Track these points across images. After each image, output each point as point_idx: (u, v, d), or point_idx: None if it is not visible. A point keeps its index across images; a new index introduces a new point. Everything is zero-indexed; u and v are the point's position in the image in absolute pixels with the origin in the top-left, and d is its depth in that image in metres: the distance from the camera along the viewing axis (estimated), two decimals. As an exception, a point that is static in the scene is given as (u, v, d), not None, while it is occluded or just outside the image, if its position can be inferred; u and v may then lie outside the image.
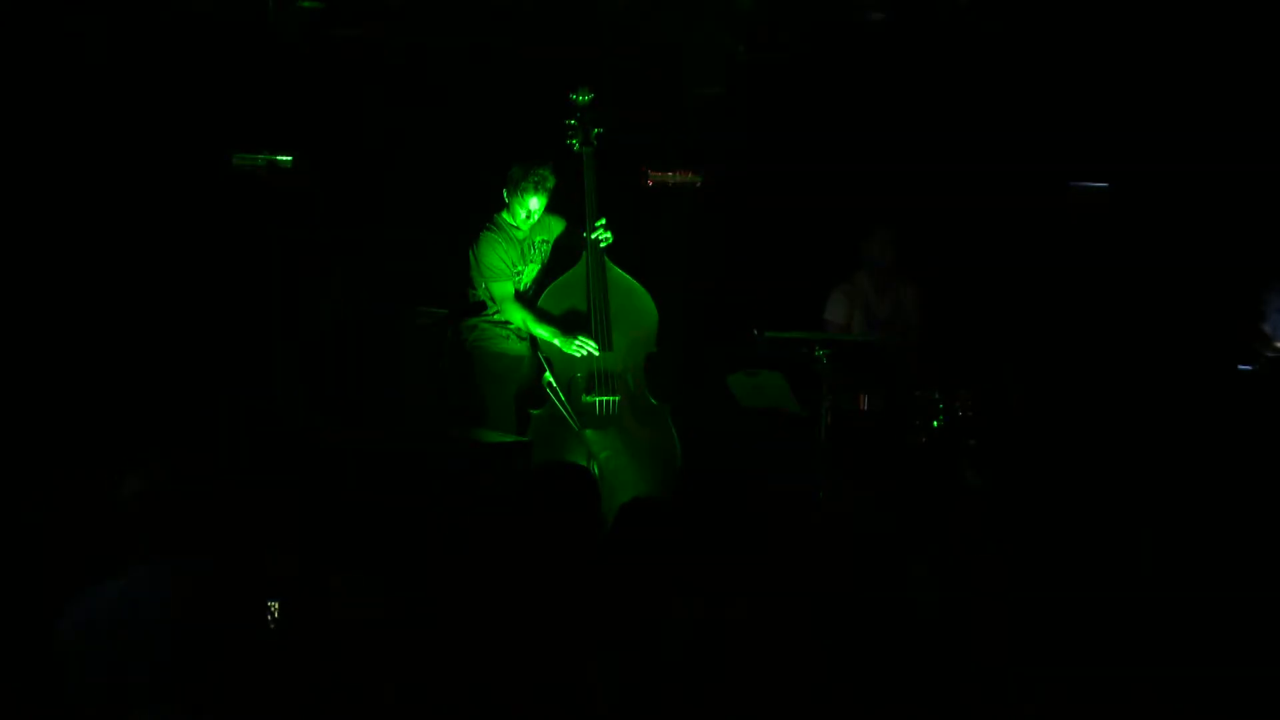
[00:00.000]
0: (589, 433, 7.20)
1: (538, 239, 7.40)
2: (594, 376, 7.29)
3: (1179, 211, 8.18)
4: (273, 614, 4.42)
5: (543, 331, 7.25)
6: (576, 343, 7.23)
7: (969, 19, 8.42)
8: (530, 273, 7.41)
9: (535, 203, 7.24)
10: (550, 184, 7.25)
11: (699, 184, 8.19)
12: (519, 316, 7.30)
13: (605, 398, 7.29)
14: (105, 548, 4.48)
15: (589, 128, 7.33)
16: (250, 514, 5.44)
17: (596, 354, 7.26)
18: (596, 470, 6.99)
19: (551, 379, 7.19)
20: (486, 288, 7.32)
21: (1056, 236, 8.30)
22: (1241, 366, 7.86)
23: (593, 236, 7.31)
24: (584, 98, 7.35)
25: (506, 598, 4.33)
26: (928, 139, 8.24)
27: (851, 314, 8.04)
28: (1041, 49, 8.29)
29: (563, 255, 7.45)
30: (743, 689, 4.21)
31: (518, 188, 7.22)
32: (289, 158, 7.64)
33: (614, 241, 7.36)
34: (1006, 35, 8.38)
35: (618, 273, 7.40)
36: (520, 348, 7.40)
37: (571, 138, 7.34)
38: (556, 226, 7.47)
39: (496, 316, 7.37)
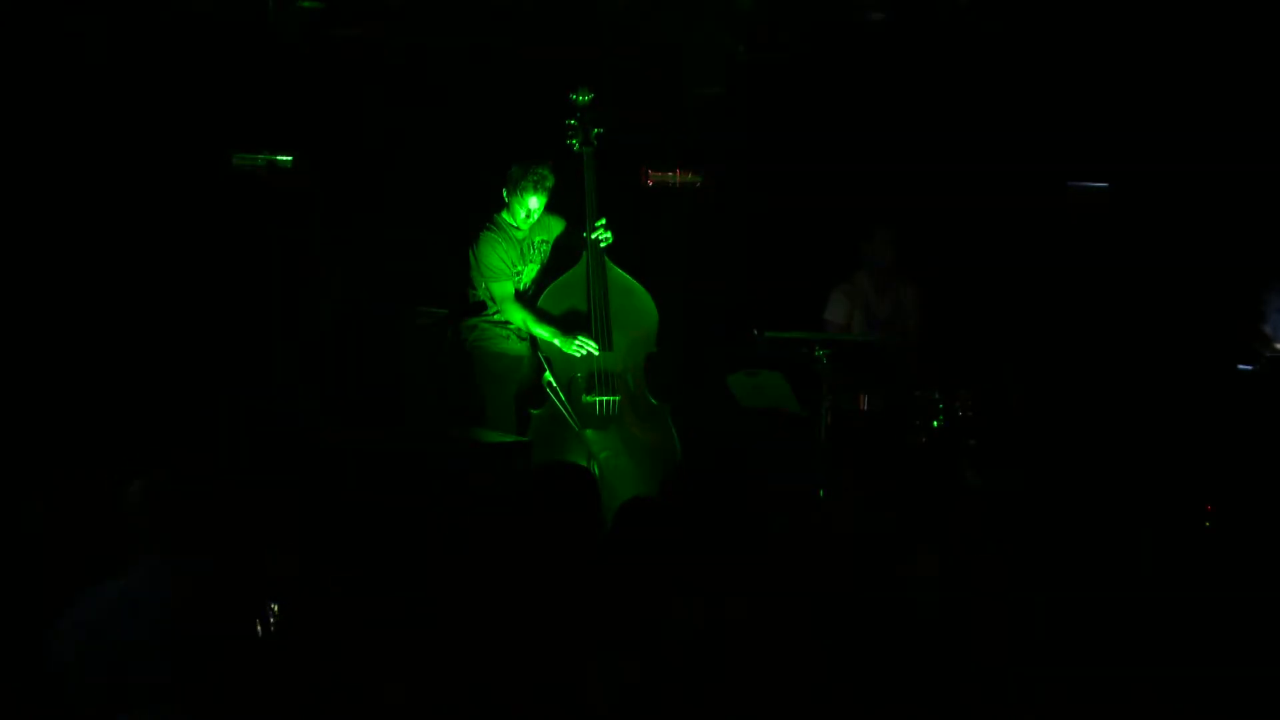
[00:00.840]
0: (589, 433, 7.20)
1: (537, 239, 7.40)
2: (594, 376, 7.29)
3: (1179, 211, 8.18)
4: (273, 614, 4.42)
5: (543, 331, 7.25)
6: (576, 343, 7.23)
7: (969, 19, 8.41)
8: (530, 273, 7.41)
9: (535, 202, 7.24)
10: (549, 183, 7.25)
11: (699, 184, 8.19)
12: (519, 316, 7.30)
13: (605, 398, 7.29)
14: (105, 548, 4.48)
15: (589, 128, 7.33)
16: (250, 514, 5.44)
17: (596, 354, 7.26)
18: (596, 470, 6.99)
19: (551, 379, 7.19)
20: (486, 288, 7.32)
21: (1056, 236, 8.30)
22: (1241, 366, 7.86)
23: (593, 236, 7.31)
24: (584, 98, 7.36)
25: (506, 598, 4.33)
26: (928, 139, 8.24)
27: (851, 314, 8.04)
28: (1041, 49, 8.29)
29: (563, 255, 7.45)
30: (743, 689, 4.21)
31: (517, 187, 7.23)
32: (289, 158, 7.65)
33: (614, 241, 7.36)
34: (1006, 35, 8.38)
35: (618, 273, 7.40)
36: (520, 348, 7.40)
37: (571, 138, 7.34)
38: (556, 226, 7.47)
39: (496, 316, 7.37)
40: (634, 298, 7.42)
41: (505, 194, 7.27)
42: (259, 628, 4.34)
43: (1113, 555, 6.43)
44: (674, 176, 8.15)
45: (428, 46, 8.27)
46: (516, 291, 7.34)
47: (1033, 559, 6.05)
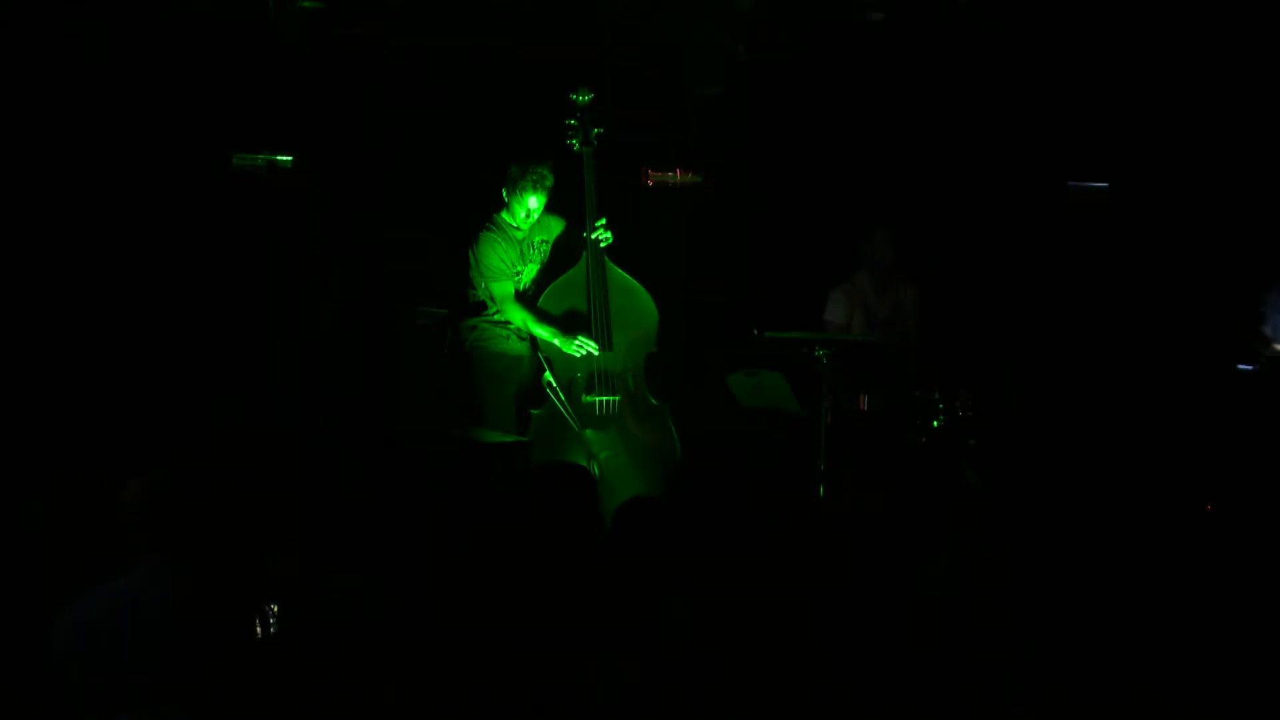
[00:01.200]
0: (589, 433, 7.20)
1: (537, 239, 7.41)
2: (594, 376, 7.30)
3: (1179, 211, 8.18)
4: (273, 614, 4.42)
5: (543, 331, 7.26)
6: (576, 343, 7.23)
7: (969, 19, 8.41)
8: (530, 273, 7.41)
9: (534, 202, 7.24)
10: (549, 183, 7.25)
11: (699, 184, 8.19)
12: (519, 316, 7.30)
13: (605, 398, 7.29)
14: (105, 548, 4.48)
15: (589, 128, 7.34)
16: (250, 514, 5.44)
17: (596, 354, 7.26)
18: (596, 470, 7.00)
19: (551, 379, 7.19)
20: (486, 288, 7.32)
21: (1056, 236, 8.30)
22: (1241, 366, 7.86)
23: (593, 236, 7.31)
24: (584, 98, 7.36)
25: (506, 597, 4.33)
26: (928, 139, 8.24)
27: (851, 314, 8.04)
28: (1041, 49, 8.29)
29: (563, 255, 7.46)
30: (742, 689, 4.21)
31: (516, 187, 7.23)
32: (289, 158, 7.65)
33: (614, 241, 7.36)
34: (1006, 35, 8.38)
35: (618, 273, 7.40)
36: (520, 348, 7.40)
37: (571, 138, 7.34)
38: (556, 226, 7.47)
39: (496, 316, 7.37)
40: (634, 298, 7.42)
41: (505, 194, 7.28)
42: (259, 628, 4.34)
43: (1113, 555, 6.43)
44: (674, 176, 8.15)
45: (428, 46, 8.27)
46: (516, 291, 7.34)
47: (1033, 559, 6.05)
